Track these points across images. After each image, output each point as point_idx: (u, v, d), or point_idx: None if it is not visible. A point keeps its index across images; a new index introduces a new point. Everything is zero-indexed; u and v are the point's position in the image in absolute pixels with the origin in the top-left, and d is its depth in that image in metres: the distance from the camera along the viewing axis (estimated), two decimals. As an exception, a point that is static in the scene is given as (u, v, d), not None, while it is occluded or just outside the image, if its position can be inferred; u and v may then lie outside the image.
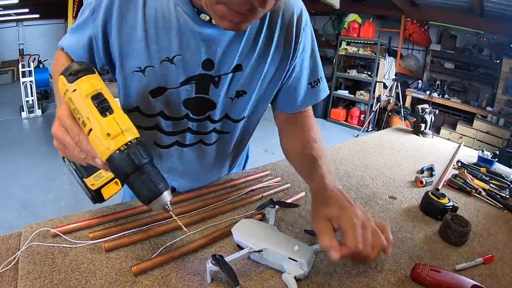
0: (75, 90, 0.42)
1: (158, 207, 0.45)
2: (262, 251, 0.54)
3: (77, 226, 0.60)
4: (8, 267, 0.51)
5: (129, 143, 0.42)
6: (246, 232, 0.59)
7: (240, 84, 0.66)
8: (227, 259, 0.50)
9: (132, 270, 0.51)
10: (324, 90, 0.78)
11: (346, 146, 1.30)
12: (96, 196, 0.58)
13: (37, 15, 7.59)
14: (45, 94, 6.17)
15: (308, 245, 0.59)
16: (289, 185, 0.87)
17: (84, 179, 0.57)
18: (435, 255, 0.67)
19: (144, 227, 0.62)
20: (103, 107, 0.42)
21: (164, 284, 0.50)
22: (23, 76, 5.04)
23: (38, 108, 5.29)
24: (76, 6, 5.39)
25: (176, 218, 0.50)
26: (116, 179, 0.58)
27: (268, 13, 0.63)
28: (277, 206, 0.67)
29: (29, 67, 5.15)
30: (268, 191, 0.82)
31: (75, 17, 5.56)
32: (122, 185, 0.60)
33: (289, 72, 0.72)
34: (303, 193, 0.84)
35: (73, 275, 0.50)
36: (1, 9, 6.24)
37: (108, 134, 0.41)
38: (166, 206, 0.46)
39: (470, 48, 5.21)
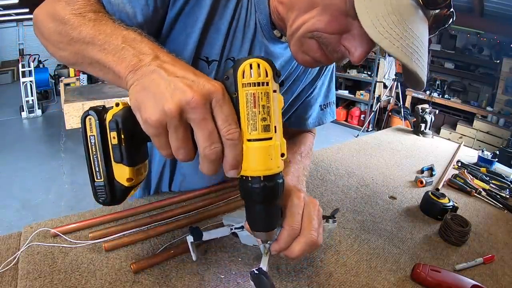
0: (276, 91, 0.37)
1: (264, 238, 0.43)
2: (243, 228, 0.48)
3: (77, 226, 0.60)
4: (8, 267, 0.51)
5: (281, 173, 0.39)
6: (234, 216, 0.53)
7: None
8: (209, 233, 0.49)
9: (131, 268, 0.51)
10: (331, 114, 0.82)
11: (346, 146, 1.30)
12: (122, 196, 0.41)
13: (37, 15, 7.59)
14: (45, 94, 6.18)
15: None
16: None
17: (117, 166, 0.39)
18: (435, 255, 0.67)
19: (144, 227, 0.62)
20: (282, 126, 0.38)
21: (164, 284, 0.50)
22: (23, 76, 5.05)
23: (38, 108, 5.29)
24: (76, 6, 5.38)
25: (266, 256, 0.47)
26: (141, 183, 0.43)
27: None
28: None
29: (29, 67, 5.16)
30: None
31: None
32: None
33: (309, 93, 0.76)
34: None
35: (73, 275, 0.50)
36: (1, 9, 6.24)
37: (283, 155, 0.37)
38: (269, 242, 0.44)
39: (470, 48, 5.21)
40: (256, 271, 0.44)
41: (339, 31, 0.43)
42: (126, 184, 0.40)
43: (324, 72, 0.75)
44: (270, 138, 0.36)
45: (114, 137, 0.38)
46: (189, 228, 0.47)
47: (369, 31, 0.37)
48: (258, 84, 0.35)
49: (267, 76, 0.35)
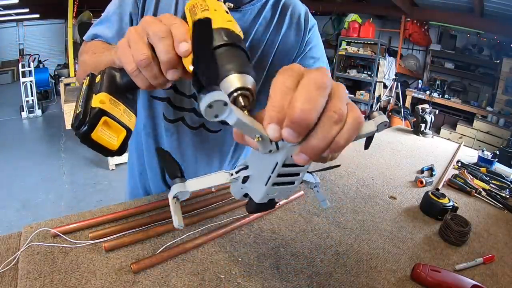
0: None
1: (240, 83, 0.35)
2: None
3: (77, 226, 0.60)
4: (8, 267, 0.51)
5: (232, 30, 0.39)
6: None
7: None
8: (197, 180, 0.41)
9: (132, 268, 0.51)
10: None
11: (346, 146, 1.30)
12: (91, 118, 0.39)
13: (37, 15, 7.59)
14: (45, 94, 6.17)
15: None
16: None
17: (96, 95, 0.41)
18: (435, 255, 0.67)
19: (144, 227, 0.62)
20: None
21: (164, 284, 0.50)
22: (23, 76, 5.04)
23: (38, 108, 5.29)
24: (76, 6, 5.39)
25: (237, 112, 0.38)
26: (121, 130, 0.42)
27: (279, 7, 0.70)
28: None
29: (29, 67, 5.16)
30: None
31: (75, 17, 5.56)
32: (120, 147, 0.43)
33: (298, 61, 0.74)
34: (301, 192, 0.84)
35: (73, 275, 0.50)
36: (1, 9, 6.24)
37: (229, 21, 0.39)
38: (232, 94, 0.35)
39: (470, 48, 5.21)
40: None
41: None
42: (97, 105, 0.40)
43: (308, 45, 0.73)
44: (209, 15, 0.39)
45: (98, 78, 0.42)
46: (156, 150, 0.45)
47: None
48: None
49: None
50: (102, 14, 0.67)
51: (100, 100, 0.40)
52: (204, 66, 0.31)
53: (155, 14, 0.61)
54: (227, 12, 0.41)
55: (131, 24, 0.63)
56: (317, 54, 0.75)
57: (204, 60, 0.32)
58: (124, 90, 0.43)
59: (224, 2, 0.60)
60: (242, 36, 0.40)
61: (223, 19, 0.39)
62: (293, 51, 0.72)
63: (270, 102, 0.28)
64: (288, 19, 0.70)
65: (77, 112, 0.40)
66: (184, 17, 0.42)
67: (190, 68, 0.36)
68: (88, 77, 0.44)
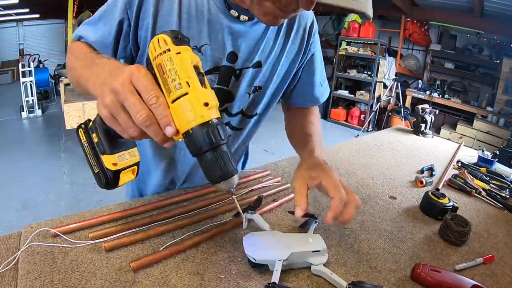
0: (179, 52, 0.41)
1: (225, 187, 0.46)
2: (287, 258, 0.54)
3: (77, 226, 0.60)
4: (8, 267, 0.51)
5: (214, 120, 0.41)
6: (261, 248, 0.56)
7: (258, 80, 0.71)
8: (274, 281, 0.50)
9: (131, 266, 0.51)
10: (327, 90, 0.89)
11: (346, 146, 1.30)
12: (113, 178, 0.50)
13: (37, 15, 7.59)
14: (45, 94, 6.17)
15: (307, 233, 0.63)
16: (289, 185, 0.87)
17: (104, 156, 0.49)
18: (435, 255, 0.67)
19: (144, 227, 0.62)
20: (201, 80, 0.42)
21: (164, 284, 0.50)
22: (23, 76, 5.04)
23: (38, 108, 5.29)
24: (76, 6, 5.39)
25: (235, 201, 0.54)
26: (134, 167, 0.53)
27: None
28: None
29: (29, 67, 5.16)
30: (268, 191, 0.82)
31: (75, 17, 5.56)
32: (136, 175, 0.54)
33: (299, 72, 0.79)
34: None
35: (73, 275, 0.50)
36: (1, 9, 6.24)
37: (206, 104, 0.40)
38: (232, 189, 0.47)
39: (470, 48, 5.21)
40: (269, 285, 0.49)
41: None
42: (112, 168, 0.49)
43: (309, 52, 0.77)
44: (186, 94, 0.40)
45: (95, 137, 0.49)
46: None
47: None
48: (161, 54, 0.41)
49: (166, 44, 0.41)
50: None
51: (112, 163, 0.49)
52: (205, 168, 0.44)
53: (155, 16, 0.59)
54: (196, 68, 0.42)
55: (121, 32, 0.61)
56: (317, 62, 0.81)
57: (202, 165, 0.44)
58: (120, 138, 0.47)
59: (238, 16, 0.61)
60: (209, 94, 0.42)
61: (200, 106, 0.40)
62: (299, 55, 0.76)
63: (334, 206, 0.56)
64: (296, 26, 0.72)
65: (96, 171, 0.51)
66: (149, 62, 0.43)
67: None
68: (81, 130, 0.50)
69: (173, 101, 0.40)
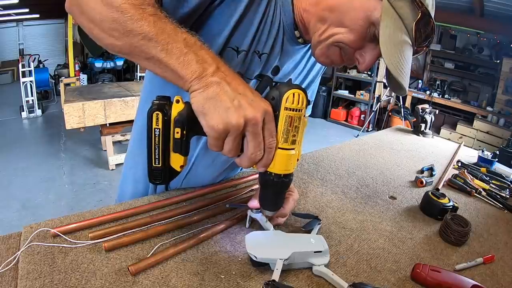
0: (304, 116, 0.49)
1: (270, 215, 0.60)
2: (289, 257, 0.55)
3: (77, 226, 0.60)
4: (8, 267, 0.51)
5: (293, 172, 0.52)
6: (263, 247, 0.56)
7: None
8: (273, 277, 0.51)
9: (130, 270, 0.51)
10: (309, 111, 0.89)
11: (346, 146, 1.30)
12: (171, 178, 0.50)
13: (37, 15, 7.59)
14: (45, 94, 6.18)
15: (310, 233, 0.64)
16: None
17: (174, 154, 0.47)
18: (435, 255, 0.67)
19: (144, 227, 0.62)
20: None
21: (164, 284, 0.50)
22: (23, 76, 5.04)
23: (38, 108, 5.29)
24: (76, 6, 5.37)
25: (266, 220, 0.62)
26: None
27: None
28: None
29: (29, 67, 5.16)
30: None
31: (75, 17, 5.55)
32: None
33: None
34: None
35: (73, 275, 0.50)
36: (1, 9, 6.24)
37: (298, 160, 0.52)
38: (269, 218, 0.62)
39: (470, 48, 5.21)
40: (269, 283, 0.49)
41: (357, 48, 0.56)
42: (179, 170, 0.49)
43: (318, 76, 0.84)
44: (293, 149, 0.50)
45: (177, 132, 0.45)
46: (265, 285, 0.49)
47: (386, 58, 0.52)
48: (296, 110, 0.47)
49: (303, 104, 0.47)
50: None
51: (180, 165, 0.49)
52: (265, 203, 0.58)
53: (245, 10, 0.55)
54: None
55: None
56: (313, 84, 0.85)
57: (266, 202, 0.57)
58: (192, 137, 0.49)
59: (298, 38, 0.63)
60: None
61: (295, 161, 0.52)
62: (315, 77, 0.82)
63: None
64: None
65: (157, 166, 0.47)
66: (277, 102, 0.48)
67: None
68: (160, 115, 0.44)
69: (281, 148, 0.48)
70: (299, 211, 0.76)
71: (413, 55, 0.56)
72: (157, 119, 0.44)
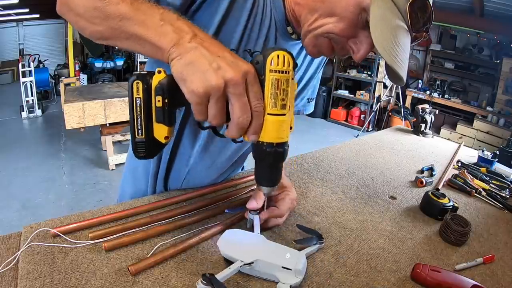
0: (293, 78, 0.46)
1: (267, 192, 0.55)
2: (252, 263, 0.52)
3: (77, 226, 0.60)
4: (8, 267, 0.51)
5: (287, 142, 0.49)
6: (233, 244, 0.55)
7: None
8: (218, 276, 0.47)
9: (130, 270, 0.51)
10: (312, 107, 0.90)
11: (346, 146, 1.30)
12: (156, 150, 0.48)
13: (37, 15, 7.59)
14: (45, 94, 6.17)
15: (298, 250, 0.57)
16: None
17: (158, 125, 0.45)
18: (435, 255, 0.67)
19: (144, 227, 0.62)
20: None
21: (164, 284, 0.50)
22: (23, 76, 5.05)
23: (38, 108, 5.29)
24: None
25: (257, 222, 0.61)
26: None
27: None
28: (260, 213, 0.64)
29: (29, 67, 5.16)
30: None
31: (75, 17, 5.55)
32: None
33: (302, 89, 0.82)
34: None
35: (73, 275, 0.50)
36: (1, 9, 6.24)
37: (291, 128, 0.48)
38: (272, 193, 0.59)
39: (470, 48, 5.21)
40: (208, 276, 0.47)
41: (348, 36, 0.53)
42: (163, 141, 0.47)
43: (318, 71, 0.82)
44: (285, 114, 0.46)
45: (159, 101, 0.44)
46: (202, 276, 0.46)
47: (377, 45, 0.48)
48: (282, 72, 0.44)
49: (289, 66, 0.44)
50: None
51: (165, 136, 0.46)
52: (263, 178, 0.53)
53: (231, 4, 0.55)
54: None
55: None
56: (313, 79, 0.83)
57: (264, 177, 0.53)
58: (178, 107, 0.48)
59: (292, 33, 0.62)
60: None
61: (288, 128, 0.48)
62: (315, 73, 0.81)
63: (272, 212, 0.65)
64: None
65: (139, 138, 0.45)
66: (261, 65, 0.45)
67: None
68: (140, 84, 0.43)
69: (271, 114, 0.45)
70: (299, 212, 0.76)
71: (411, 42, 0.52)
72: (138, 88, 0.43)
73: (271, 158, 0.48)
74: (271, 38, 0.62)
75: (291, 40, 0.64)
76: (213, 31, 0.56)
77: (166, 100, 0.44)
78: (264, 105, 0.45)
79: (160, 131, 0.46)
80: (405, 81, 0.52)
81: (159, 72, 0.43)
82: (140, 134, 0.45)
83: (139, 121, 0.45)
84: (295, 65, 0.46)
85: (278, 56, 0.44)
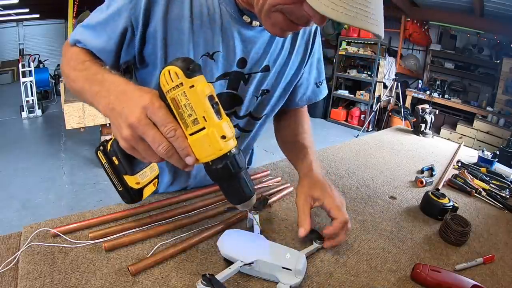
0: (192, 86, 0.40)
1: (244, 209, 0.50)
2: (253, 263, 0.52)
3: (77, 226, 0.60)
4: (8, 267, 0.51)
5: (232, 150, 0.43)
6: (233, 244, 0.55)
7: (266, 84, 0.71)
8: (218, 277, 0.47)
9: (130, 270, 0.51)
10: (325, 90, 0.87)
11: (346, 146, 1.30)
12: (137, 195, 0.56)
13: (37, 15, 7.59)
14: (45, 94, 6.17)
15: (298, 251, 0.57)
16: (288, 185, 0.87)
17: (126, 176, 0.53)
18: (435, 255, 0.66)
19: (144, 227, 0.62)
20: (217, 110, 0.42)
21: (164, 284, 0.50)
22: (23, 76, 5.04)
23: (38, 108, 5.29)
24: (76, 6, 5.39)
25: (257, 221, 0.58)
26: (155, 180, 0.59)
27: None
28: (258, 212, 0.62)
29: (29, 67, 5.16)
30: (268, 191, 0.82)
31: (75, 17, 5.56)
32: (157, 185, 0.60)
33: (302, 73, 0.79)
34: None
35: (73, 275, 0.50)
36: (1, 9, 6.24)
37: (223, 137, 0.41)
38: (253, 207, 0.53)
39: (470, 48, 5.21)
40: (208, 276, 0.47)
41: (296, 1, 0.47)
42: (136, 186, 0.54)
43: (310, 53, 0.77)
44: (203, 128, 0.41)
45: (115, 160, 0.52)
46: (202, 276, 0.47)
47: (313, 3, 0.42)
48: (174, 88, 0.40)
49: (178, 78, 0.40)
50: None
51: (135, 182, 0.54)
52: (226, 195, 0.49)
53: (165, 22, 0.56)
54: (210, 98, 0.41)
55: (124, 39, 0.57)
56: (314, 62, 0.81)
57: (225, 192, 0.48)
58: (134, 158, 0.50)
59: (251, 22, 0.60)
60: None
61: (217, 140, 0.41)
62: (305, 57, 0.76)
63: (335, 226, 0.61)
64: (302, 32, 0.72)
65: (120, 189, 0.55)
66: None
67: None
68: (100, 153, 0.53)
69: (191, 134, 0.42)
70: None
71: None
72: (101, 156, 0.53)
73: (219, 177, 0.44)
74: (229, 33, 0.60)
75: (254, 28, 0.62)
76: (161, 50, 0.58)
77: (119, 157, 0.51)
78: (177, 127, 0.41)
79: (130, 181, 0.54)
80: (382, 32, 0.44)
81: (111, 138, 0.52)
82: (119, 187, 0.54)
83: (113, 178, 0.54)
84: (192, 69, 0.40)
85: (164, 75, 0.40)
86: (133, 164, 0.53)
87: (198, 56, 0.60)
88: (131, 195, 0.55)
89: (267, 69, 0.69)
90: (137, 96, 0.42)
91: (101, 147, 0.53)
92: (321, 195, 0.64)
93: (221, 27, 0.59)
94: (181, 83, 0.40)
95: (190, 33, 0.58)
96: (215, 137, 0.41)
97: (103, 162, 0.53)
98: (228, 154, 0.42)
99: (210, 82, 0.60)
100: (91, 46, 0.58)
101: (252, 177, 0.89)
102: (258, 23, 0.61)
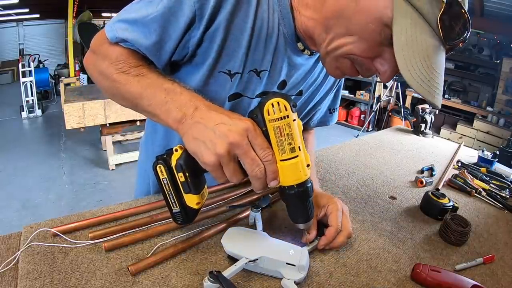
0: (294, 120, 0.47)
1: (303, 228, 0.57)
2: (257, 260, 0.52)
3: (77, 226, 0.60)
4: (8, 267, 0.51)
5: (309, 177, 0.50)
6: (237, 241, 0.56)
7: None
8: (224, 273, 0.48)
9: (129, 270, 0.51)
10: (336, 117, 0.89)
11: (346, 146, 1.30)
12: (194, 215, 0.55)
13: (37, 15, 7.59)
14: (45, 94, 6.17)
15: (301, 247, 0.58)
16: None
17: (188, 195, 0.52)
18: (435, 255, 0.67)
19: (144, 227, 0.62)
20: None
21: (164, 284, 0.50)
22: (23, 76, 5.04)
23: (38, 108, 5.29)
24: (76, 6, 5.39)
25: (259, 219, 0.61)
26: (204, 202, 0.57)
27: None
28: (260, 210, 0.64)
29: (29, 67, 5.16)
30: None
31: (75, 17, 5.56)
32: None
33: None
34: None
35: (73, 275, 0.50)
36: (1, 9, 6.24)
37: (308, 165, 0.49)
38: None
39: (470, 48, 5.20)
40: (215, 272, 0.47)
41: (372, 57, 0.49)
42: (196, 207, 0.53)
43: (339, 83, 0.81)
44: (297, 156, 0.47)
45: (181, 176, 0.50)
46: (209, 274, 0.48)
47: (404, 73, 0.44)
48: (281, 118, 0.46)
49: (286, 110, 0.46)
50: (128, 8, 0.54)
51: (196, 202, 0.52)
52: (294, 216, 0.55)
53: (227, 31, 0.53)
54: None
55: (182, 38, 0.53)
56: (334, 89, 0.82)
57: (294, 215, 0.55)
58: (200, 174, 0.52)
59: (303, 49, 0.61)
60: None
61: (304, 168, 0.49)
62: (333, 85, 0.79)
63: (328, 234, 0.61)
64: None
65: (175, 209, 0.53)
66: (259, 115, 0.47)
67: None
68: (162, 167, 0.50)
69: (283, 159, 0.47)
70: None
71: (446, 53, 0.46)
72: (161, 170, 0.50)
73: (295, 199, 0.51)
74: (279, 55, 0.60)
75: (303, 55, 0.62)
76: (213, 58, 0.56)
77: (187, 174, 0.49)
78: (273, 153, 0.47)
79: (191, 200, 0.52)
80: (440, 103, 0.47)
81: (176, 150, 0.49)
82: (175, 207, 0.53)
83: (171, 196, 0.52)
84: (293, 105, 0.47)
85: (273, 105, 0.45)
86: (198, 182, 0.52)
87: (246, 70, 0.59)
88: (189, 215, 0.54)
89: (300, 93, 0.70)
90: (237, 118, 0.46)
91: (161, 161, 0.49)
92: (326, 202, 0.66)
93: (275, 47, 0.59)
94: (287, 116, 0.46)
95: (247, 47, 0.56)
96: (303, 164, 0.48)
97: (162, 177, 0.50)
98: (309, 179, 0.50)
99: (249, 98, 0.63)
100: (144, 48, 0.53)
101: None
102: (309, 52, 0.61)
